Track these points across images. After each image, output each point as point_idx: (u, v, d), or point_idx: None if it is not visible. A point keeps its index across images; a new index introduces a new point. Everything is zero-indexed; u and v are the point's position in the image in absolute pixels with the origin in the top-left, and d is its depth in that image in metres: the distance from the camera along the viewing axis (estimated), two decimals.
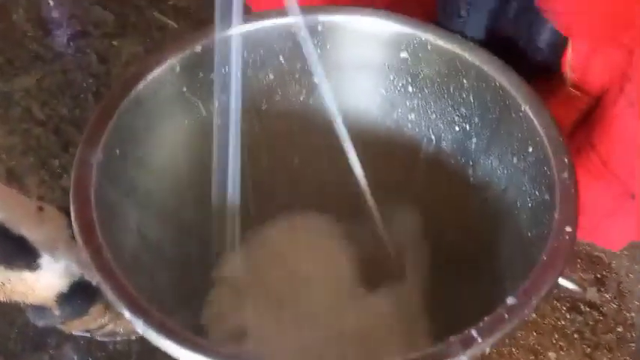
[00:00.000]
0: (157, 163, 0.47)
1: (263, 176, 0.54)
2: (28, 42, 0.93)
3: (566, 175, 0.39)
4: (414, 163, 0.57)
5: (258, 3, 0.55)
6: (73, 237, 0.55)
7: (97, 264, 0.35)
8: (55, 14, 0.97)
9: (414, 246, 0.56)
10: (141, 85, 0.45)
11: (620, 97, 0.50)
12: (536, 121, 0.44)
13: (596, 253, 0.70)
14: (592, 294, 0.63)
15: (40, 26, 0.95)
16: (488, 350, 0.30)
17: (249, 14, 0.49)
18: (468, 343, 0.31)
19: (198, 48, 0.49)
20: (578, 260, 0.69)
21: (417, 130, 0.57)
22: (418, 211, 0.55)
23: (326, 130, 0.48)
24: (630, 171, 0.53)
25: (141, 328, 0.32)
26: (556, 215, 0.37)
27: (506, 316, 0.32)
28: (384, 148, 0.57)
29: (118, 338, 0.63)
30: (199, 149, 0.49)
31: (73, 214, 0.37)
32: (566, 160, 0.40)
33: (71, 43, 0.93)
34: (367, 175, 0.52)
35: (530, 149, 0.44)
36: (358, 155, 0.50)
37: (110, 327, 0.61)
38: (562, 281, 0.39)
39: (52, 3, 0.96)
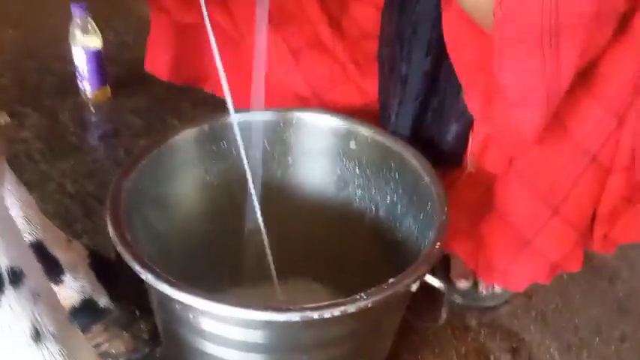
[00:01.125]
0: (170, 200, 0.68)
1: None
2: (69, 135, 1.17)
3: (444, 218, 0.59)
4: (360, 227, 0.77)
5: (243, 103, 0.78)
6: (90, 265, 0.74)
7: (121, 241, 0.54)
8: (94, 117, 1.22)
9: None
10: (163, 146, 0.67)
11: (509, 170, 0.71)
12: (432, 188, 0.65)
13: (514, 328, 0.87)
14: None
15: (80, 125, 1.20)
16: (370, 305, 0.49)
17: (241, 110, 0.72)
18: (357, 299, 0.49)
19: (205, 127, 0.72)
20: (498, 332, 0.86)
21: (362, 202, 0.78)
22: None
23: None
24: (524, 220, 0.73)
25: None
26: (433, 239, 0.57)
27: (386, 287, 0.51)
28: (338, 216, 0.77)
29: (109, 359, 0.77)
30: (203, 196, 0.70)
31: (108, 215, 0.57)
32: (445, 209, 0.60)
33: (104, 140, 1.16)
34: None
35: (428, 206, 0.65)
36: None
37: (105, 347, 0.77)
38: (429, 278, 0.57)
39: (93, 110, 1.22)
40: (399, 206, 0.74)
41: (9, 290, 0.46)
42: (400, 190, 0.73)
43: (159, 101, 1.23)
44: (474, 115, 0.72)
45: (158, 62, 0.91)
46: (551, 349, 0.86)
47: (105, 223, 0.60)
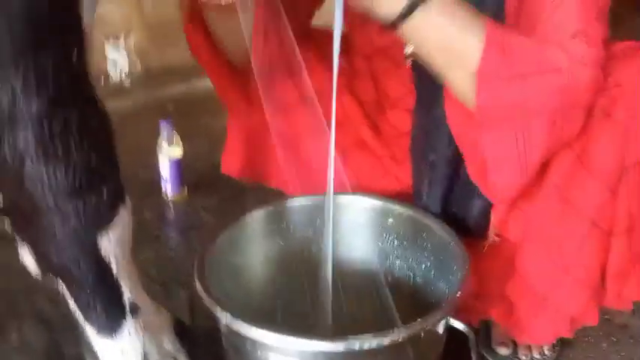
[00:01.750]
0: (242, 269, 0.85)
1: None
2: (152, 229, 1.37)
3: (465, 271, 0.73)
4: (401, 292, 0.90)
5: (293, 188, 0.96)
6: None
7: (205, 291, 0.70)
8: (173, 214, 1.43)
9: None
10: (237, 224, 0.86)
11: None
12: (457, 250, 0.80)
13: None
14: None
15: (161, 220, 1.41)
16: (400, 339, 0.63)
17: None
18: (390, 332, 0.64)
19: (270, 208, 0.90)
20: None
21: (402, 270, 0.92)
22: None
23: None
24: (541, 279, 0.85)
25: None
26: (456, 288, 0.71)
27: (415, 324, 0.65)
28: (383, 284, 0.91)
29: None
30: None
31: (196, 273, 0.74)
32: (467, 266, 0.75)
33: (181, 233, 1.36)
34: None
35: (454, 267, 0.79)
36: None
37: None
38: (455, 322, 0.69)
39: (172, 208, 1.43)
40: (432, 272, 0.88)
41: (129, 317, 0.62)
42: (432, 257, 0.87)
43: (227, 201, 1.43)
44: (475, 182, 0.88)
45: (232, 164, 1.11)
46: None
47: (180, 296, 0.76)
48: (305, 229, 0.95)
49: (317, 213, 0.93)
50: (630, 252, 0.86)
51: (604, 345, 1.05)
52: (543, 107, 0.74)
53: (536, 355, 0.99)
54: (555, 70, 0.74)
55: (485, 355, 1.00)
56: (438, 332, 0.70)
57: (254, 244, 0.91)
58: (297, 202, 0.94)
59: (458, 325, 0.70)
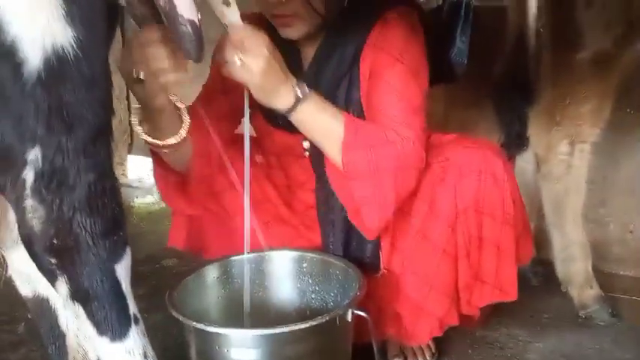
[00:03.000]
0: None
1: None
2: None
3: (361, 281, 1.10)
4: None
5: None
6: None
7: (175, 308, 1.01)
8: None
9: None
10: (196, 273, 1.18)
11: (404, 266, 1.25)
12: (355, 274, 1.16)
13: None
14: None
15: None
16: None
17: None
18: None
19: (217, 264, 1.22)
20: None
21: (317, 300, 1.26)
22: None
23: None
24: (417, 294, 1.24)
25: None
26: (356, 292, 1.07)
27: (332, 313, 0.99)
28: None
29: None
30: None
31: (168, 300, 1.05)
32: (361, 279, 1.11)
33: None
34: None
35: (355, 285, 1.14)
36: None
37: None
38: (357, 311, 1.04)
39: None
40: (339, 297, 1.24)
41: (134, 325, 0.90)
42: (338, 285, 1.24)
43: None
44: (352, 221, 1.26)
45: (177, 240, 1.42)
46: None
47: None
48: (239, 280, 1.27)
49: (247, 267, 1.26)
50: (471, 270, 1.27)
51: (469, 352, 1.43)
52: (387, 167, 1.16)
53: None
54: (391, 142, 1.17)
55: None
56: (347, 320, 1.05)
57: (208, 288, 1.24)
58: (233, 259, 1.27)
59: (361, 313, 1.06)
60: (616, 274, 1.76)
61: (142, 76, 1.02)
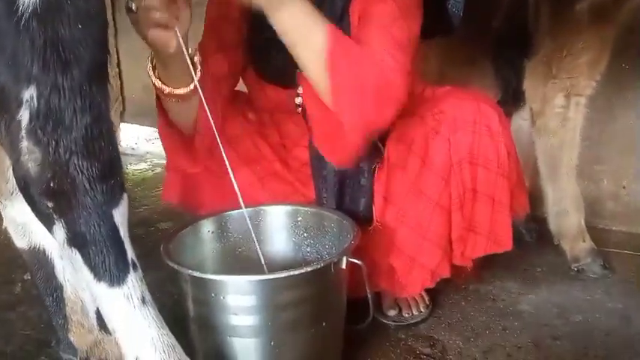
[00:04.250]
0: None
1: None
2: None
3: (355, 230, 1.13)
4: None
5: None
6: None
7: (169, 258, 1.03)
8: None
9: None
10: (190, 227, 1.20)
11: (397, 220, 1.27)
12: (348, 224, 1.18)
13: (430, 334, 1.35)
14: None
15: None
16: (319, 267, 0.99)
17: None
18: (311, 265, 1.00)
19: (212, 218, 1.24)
20: (420, 338, 1.33)
21: (312, 253, 1.29)
22: None
23: None
24: (410, 247, 1.26)
25: None
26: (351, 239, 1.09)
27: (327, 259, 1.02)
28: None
29: None
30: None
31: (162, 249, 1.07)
32: (355, 228, 1.14)
33: None
34: None
35: (348, 236, 1.16)
36: None
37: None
38: (352, 259, 1.07)
39: None
40: (334, 249, 1.26)
41: (132, 271, 0.92)
42: (333, 238, 1.26)
43: None
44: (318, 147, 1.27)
45: (171, 195, 1.44)
46: (457, 342, 1.33)
47: None
48: (234, 234, 1.30)
49: (242, 222, 1.27)
50: (464, 222, 1.29)
51: (463, 303, 1.46)
52: (372, 84, 1.14)
53: (414, 312, 1.38)
54: (374, 63, 1.14)
55: (379, 318, 1.37)
56: (342, 267, 1.07)
57: (203, 242, 1.27)
58: (228, 214, 1.29)
59: (355, 260, 1.08)
60: (609, 229, 1.81)
61: (133, 8, 1.05)
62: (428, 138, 1.27)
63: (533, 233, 1.75)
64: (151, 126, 2.61)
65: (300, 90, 1.33)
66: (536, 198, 1.71)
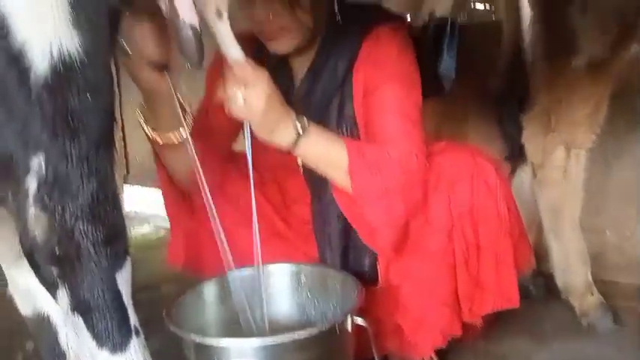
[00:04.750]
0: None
1: None
2: None
3: (359, 289, 1.13)
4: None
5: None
6: None
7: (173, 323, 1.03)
8: None
9: None
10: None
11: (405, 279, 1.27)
12: (353, 282, 1.18)
13: None
14: None
15: None
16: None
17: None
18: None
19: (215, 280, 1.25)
20: None
21: (317, 314, 1.28)
22: None
23: None
24: (418, 307, 1.25)
25: None
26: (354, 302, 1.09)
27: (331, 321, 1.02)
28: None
29: None
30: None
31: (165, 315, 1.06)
32: (359, 287, 1.13)
33: None
34: None
35: (353, 295, 1.16)
36: None
37: None
38: (357, 319, 1.05)
39: None
40: (338, 308, 1.25)
41: (134, 337, 0.92)
42: (337, 297, 1.26)
43: None
44: (366, 243, 1.29)
45: (176, 258, 1.44)
46: None
47: None
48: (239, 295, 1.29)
49: (245, 283, 1.28)
50: (470, 278, 1.29)
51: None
52: (395, 186, 1.21)
53: None
54: (395, 161, 1.21)
55: None
56: (347, 329, 1.07)
57: (206, 304, 1.27)
58: (231, 275, 1.29)
59: (360, 321, 1.08)
60: (615, 282, 1.79)
61: (128, 50, 1.08)
62: (427, 194, 1.29)
63: (541, 289, 1.74)
64: (154, 188, 2.63)
65: None
66: (541, 254, 1.72)
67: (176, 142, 1.20)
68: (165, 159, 1.29)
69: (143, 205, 2.80)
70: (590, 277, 1.63)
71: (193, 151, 1.15)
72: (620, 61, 1.53)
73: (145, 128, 1.21)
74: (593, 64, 1.51)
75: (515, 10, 1.75)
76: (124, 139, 2.81)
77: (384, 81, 1.27)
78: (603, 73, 1.52)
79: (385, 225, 1.22)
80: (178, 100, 1.15)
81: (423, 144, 1.26)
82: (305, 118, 1.20)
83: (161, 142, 1.21)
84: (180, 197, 1.38)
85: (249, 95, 1.11)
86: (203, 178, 1.15)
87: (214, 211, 1.18)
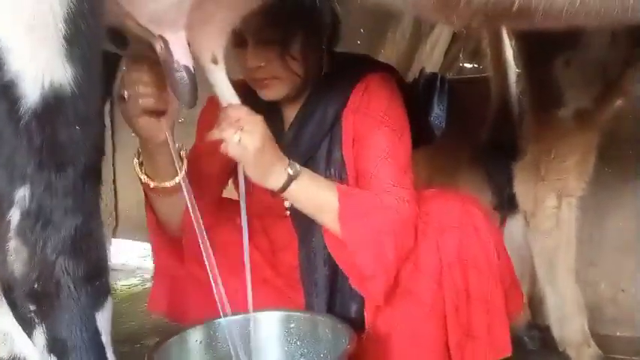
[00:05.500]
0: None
1: None
2: None
3: (351, 337, 1.10)
4: None
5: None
6: None
7: None
8: None
9: None
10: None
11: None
12: (343, 328, 1.16)
13: None
14: None
15: None
16: None
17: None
18: None
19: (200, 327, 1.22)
20: None
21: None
22: None
23: None
24: (406, 354, 1.23)
25: None
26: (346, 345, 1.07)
27: None
28: None
29: None
30: None
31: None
32: (352, 333, 1.12)
33: None
34: None
35: (343, 340, 1.14)
36: None
37: None
38: None
39: None
40: (329, 356, 1.22)
41: None
42: (327, 343, 1.24)
43: None
44: (355, 287, 1.27)
45: (158, 306, 1.42)
46: None
47: None
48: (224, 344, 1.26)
49: (233, 330, 1.25)
50: (460, 327, 1.27)
51: None
52: (387, 231, 1.21)
53: None
54: (387, 207, 1.23)
55: None
56: None
57: (190, 352, 1.24)
58: (218, 322, 1.27)
59: None
60: (612, 335, 1.77)
61: (125, 96, 1.11)
62: (417, 240, 1.28)
63: (536, 341, 1.71)
64: (143, 241, 2.63)
65: None
66: (536, 305, 1.70)
67: (168, 187, 1.22)
68: (157, 203, 1.30)
69: (131, 258, 2.79)
70: (587, 328, 1.61)
71: (192, 196, 1.16)
72: (606, 112, 1.57)
73: (139, 173, 1.23)
74: (580, 114, 1.56)
75: (502, 66, 1.82)
76: (115, 191, 2.81)
77: (374, 127, 1.29)
78: (590, 123, 1.56)
79: (376, 271, 1.22)
80: (174, 148, 1.17)
81: (414, 190, 1.28)
82: (296, 163, 1.22)
83: (152, 186, 1.23)
84: (168, 243, 1.37)
85: (245, 136, 1.13)
86: (200, 221, 1.16)
87: (210, 251, 1.19)
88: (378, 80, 1.35)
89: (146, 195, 1.30)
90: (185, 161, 1.21)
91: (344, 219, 1.21)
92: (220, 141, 1.18)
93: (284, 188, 1.20)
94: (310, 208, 1.25)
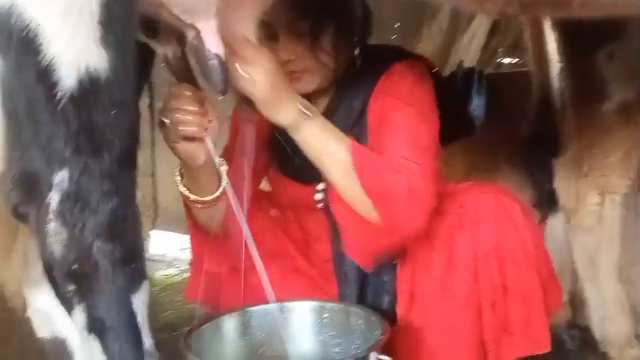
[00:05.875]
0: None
1: None
2: None
3: (384, 327, 1.10)
4: None
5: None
6: None
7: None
8: None
9: None
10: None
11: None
12: (376, 319, 1.16)
13: None
14: None
15: None
16: None
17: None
18: None
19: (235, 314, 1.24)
20: None
21: (340, 352, 1.26)
22: None
23: None
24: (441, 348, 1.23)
25: None
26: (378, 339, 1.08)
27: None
28: None
29: None
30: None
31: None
32: (385, 323, 1.12)
33: None
34: None
35: (376, 332, 1.14)
36: None
37: None
38: (381, 356, 1.03)
39: None
40: (361, 348, 1.21)
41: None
42: (361, 334, 1.23)
43: None
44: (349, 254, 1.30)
45: (193, 293, 1.45)
46: None
47: None
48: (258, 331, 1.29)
49: (265, 319, 1.27)
50: (497, 321, 1.25)
51: None
52: (394, 196, 1.19)
53: None
54: (397, 172, 1.20)
55: None
56: None
57: (225, 338, 1.26)
58: (252, 310, 1.29)
59: (384, 357, 1.06)
60: None
61: (166, 123, 1.15)
62: (451, 233, 1.27)
63: (577, 340, 1.68)
64: (182, 233, 2.68)
65: (319, 186, 1.39)
66: (577, 304, 1.66)
67: (207, 200, 1.25)
68: (195, 212, 1.33)
69: (170, 250, 2.85)
70: (630, 329, 1.57)
71: (237, 202, 1.18)
72: None
73: (180, 187, 1.26)
74: (624, 108, 1.52)
75: (544, 59, 1.78)
76: (154, 184, 2.88)
77: (397, 107, 1.28)
78: (634, 117, 1.52)
79: (388, 229, 1.20)
80: (216, 165, 1.19)
81: (433, 171, 1.24)
82: (310, 104, 1.23)
83: (192, 199, 1.26)
84: (206, 239, 1.39)
85: (251, 71, 1.14)
86: (247, 226, 1.19)
87: (254, 247, 1.20)
88: (405, 66, 1.34)
89: (185, 204, 1.33)
90: (226, 176, 1.22)
91: (357, 169, 1.20)
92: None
93: (295, 126, 1.21)
94: (321, 155, 1.24)
